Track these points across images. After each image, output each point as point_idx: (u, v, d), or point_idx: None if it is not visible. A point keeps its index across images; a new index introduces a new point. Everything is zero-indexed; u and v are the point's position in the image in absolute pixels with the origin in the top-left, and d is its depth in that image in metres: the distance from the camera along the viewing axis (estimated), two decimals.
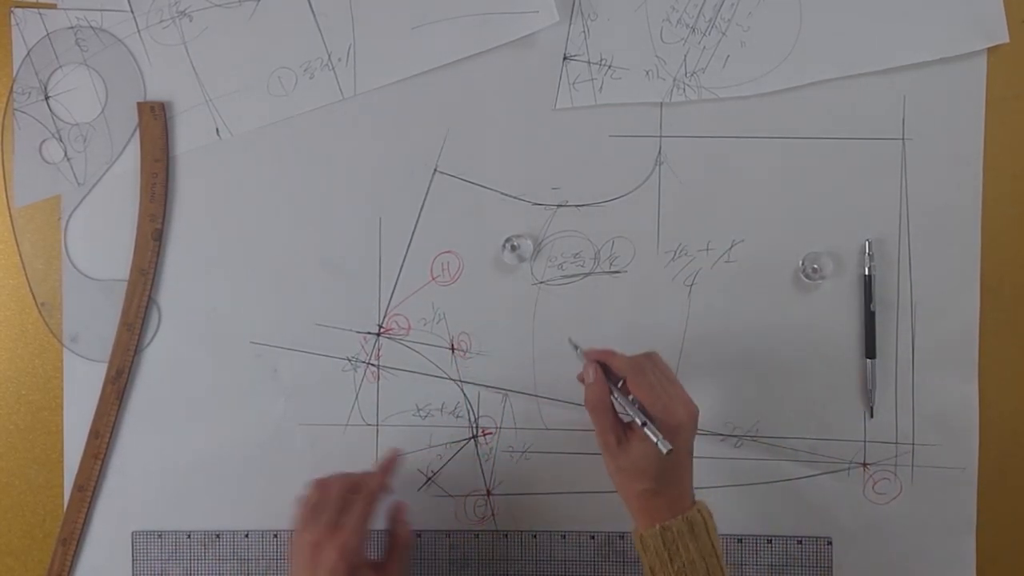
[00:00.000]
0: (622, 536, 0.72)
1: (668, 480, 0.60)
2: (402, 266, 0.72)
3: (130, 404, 0.73)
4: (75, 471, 0.73)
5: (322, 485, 0.65)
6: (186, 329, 0.73)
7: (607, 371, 0.63)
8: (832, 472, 0.71)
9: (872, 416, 0.71)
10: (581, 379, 0.65)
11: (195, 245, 0.73)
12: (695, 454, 0.62)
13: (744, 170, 0.71)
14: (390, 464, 0.69)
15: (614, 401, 0.62)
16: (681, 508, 0.61)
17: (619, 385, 0.63)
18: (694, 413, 0.62)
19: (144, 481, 0.73)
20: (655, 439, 0.59)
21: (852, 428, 0.71)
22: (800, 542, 0.72)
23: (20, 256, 0.73)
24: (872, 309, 0.70)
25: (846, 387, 0.71)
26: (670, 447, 0.58)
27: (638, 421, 0.60)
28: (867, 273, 0.70)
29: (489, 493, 0.73)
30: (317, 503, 0.64)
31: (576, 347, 0.66)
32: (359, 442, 0.73)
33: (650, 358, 0.63)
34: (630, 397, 0.61)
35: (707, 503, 0.62)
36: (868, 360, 0.70)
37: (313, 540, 0.62)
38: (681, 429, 0.60)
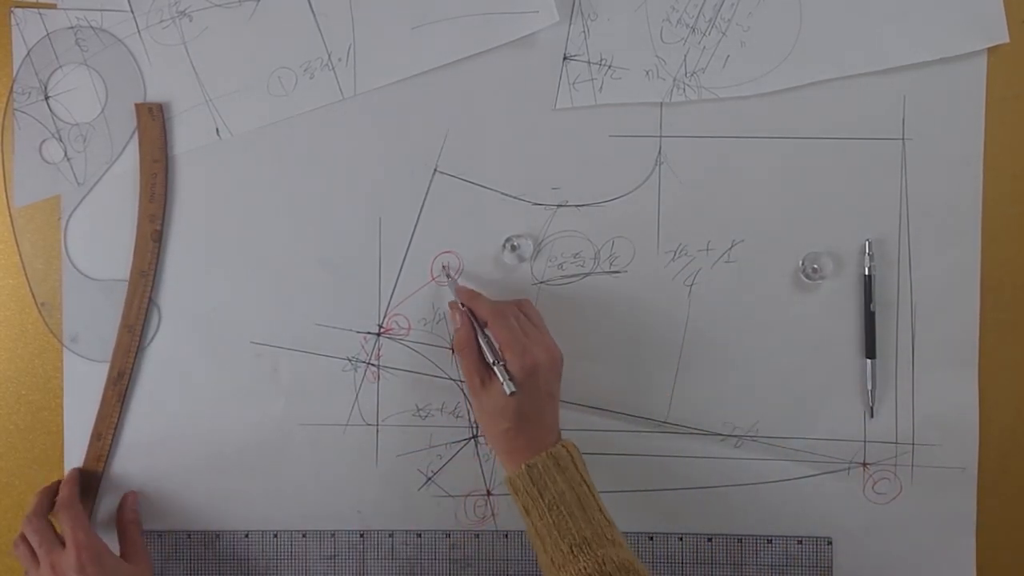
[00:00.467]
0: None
1: (527, 419, 0.63)
2: (402, 266, 0.72)
3: (130, 404, 0.73)
4: None
5: (18, 544, 0.68)
6: (186, 329, 0.73)
7: (475, 315, 0.66)
8: (832, 472, 0.71)
9: (872, 416, 0.71)
10: (452, 319, 0.69)
11: (195, 245, 0.73)
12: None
13: (744, 170, 0.71)
14: (72, 481, 0.71)
15: (481, 344, 0.65)
16: (544, 446, 0.63)
17: (485, 328, 0.66)
18: (556, 356, 0.65)
19: (144, 481, 0.73)
20: (502, 379, 0.62)
21: (852, 428, 0.71)
22: (800, 542, 0.72)
23: (20, 256, 0.73)
24: (872, 309, 0.70)
25: (846, 387, 0.71)
26: (514, 389, 0.62)
27: (489, 359, 0.64)
28: (867, 273, 0.70)
29: (489, 493, 0.73)
30: (18, 548, 0.68)
31: (449, 276, 0.71)
32: (359, 442, 0.73)
33: (520, 304, 0.68)
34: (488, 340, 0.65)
35: (573, 442, 0.64)
36: (868, 360, 0.70)
37: (45, 568, 0.66)
38: (538, 369, 0.63)
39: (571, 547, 0.59)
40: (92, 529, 0.69)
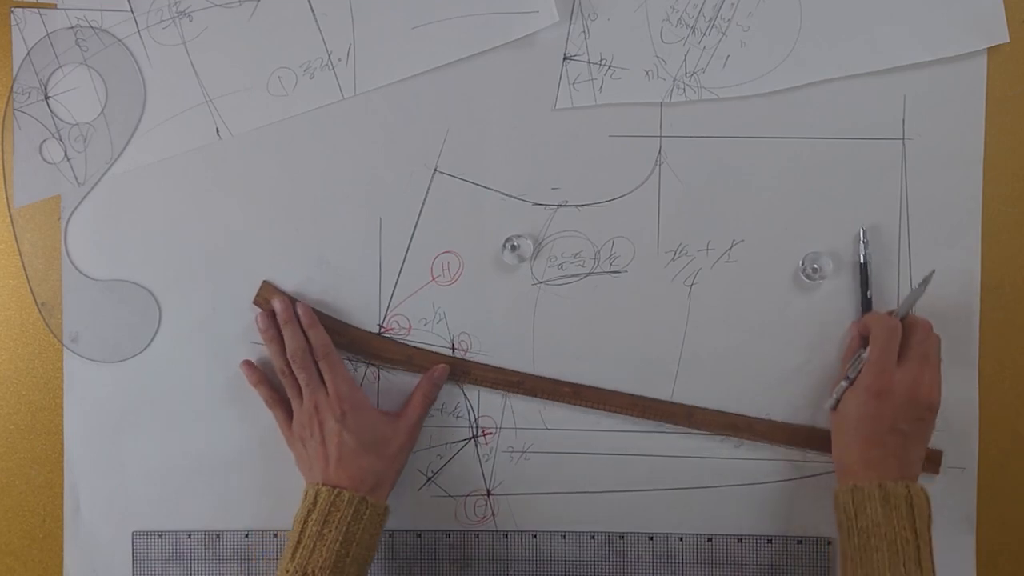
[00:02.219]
0: (622, 536, 0.72)
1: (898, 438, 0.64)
2: (402, 266, 0.72)
3: (130, 404, 0.73)
4: (75, 471, 0.73)
5: (281, 366, 0.70)
6: (187, 329, 0.73)
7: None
8: (832, 472, 0.71)
9: None
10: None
11: (195, 245, 0.73)
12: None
13: (744, 170, 0.71)
14: (311, 318, 0.70)
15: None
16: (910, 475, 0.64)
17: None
18: (917, 397, 0.65)
19: (144, 481, 0.73)
20: (834, 396, 0.67)
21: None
22: (800, 542, 0.72)
23: (20, 256, 0.73)
24: (868, 296, 0.70)
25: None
26: (830, 405, 0.67)
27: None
28: (862, 261, 0.70)
29: (489, 493, 0.73)
30: (286, 378, 0.70)
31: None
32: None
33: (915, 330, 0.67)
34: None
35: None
36: (863, 350, 0.70)
37: (306, 407, 0.68)
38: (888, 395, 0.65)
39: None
40: (353, 381, 0.70)
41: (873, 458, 0.64)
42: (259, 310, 0.72)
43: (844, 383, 0.67)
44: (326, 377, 0.69)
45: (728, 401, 0.71)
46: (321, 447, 0.67)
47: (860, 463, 0.64)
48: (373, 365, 0.73)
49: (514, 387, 0.71)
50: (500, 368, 0.72)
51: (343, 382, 0.69)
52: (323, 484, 0.66)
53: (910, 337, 0.66)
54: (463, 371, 0.72)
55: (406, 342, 0.72)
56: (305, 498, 0.66)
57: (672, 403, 0.71)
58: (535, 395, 0.72)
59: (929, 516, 0.63)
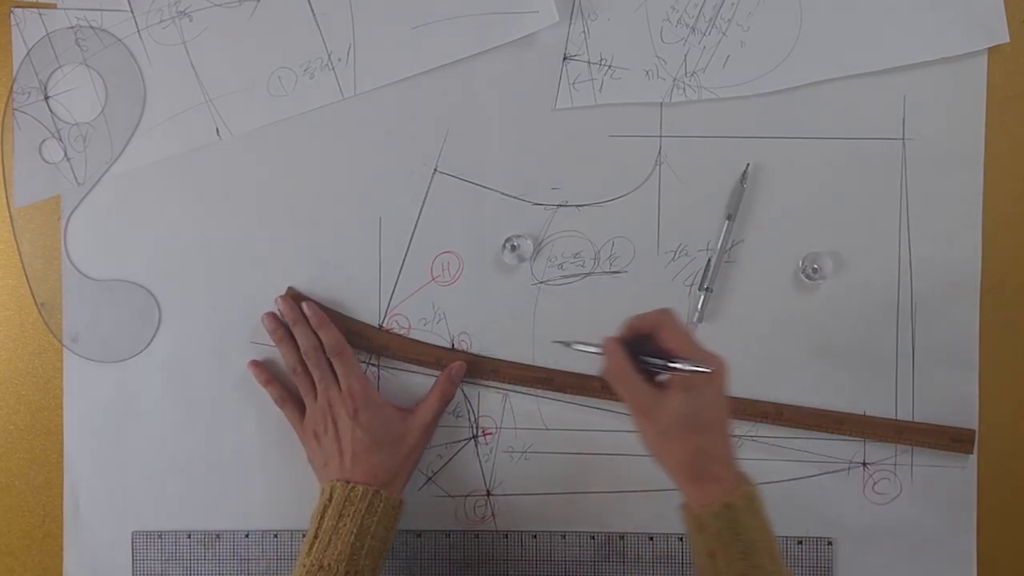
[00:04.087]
0: (622, 536, 0.72)
1: (715, 434, 0.57)
2: (402, 266, 0.72)
3: (130, 404, 0.73)
4: (75, 471, 0.73)
5: (293, 364, 0.70)
6: (187, 329, 0.73)
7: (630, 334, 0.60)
8: (832, 472, 0.71)
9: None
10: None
11: (195, 245, 0.73)
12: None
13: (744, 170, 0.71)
14: (321, 317, 0.70)
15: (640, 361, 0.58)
16: (732, 479, 0.57)
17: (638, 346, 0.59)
18: (723, 362, 0.57)
19: (144, 481, 0.73)
20: (693, 367, 0.55)
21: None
22: (800, 542, 0.72)
23: (20, 256, 0.73)
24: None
25: (846, 387, 0.71)
26: (708, 368, 0.55)
27: (660, 362, 0.57)
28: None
29: (489, 493, 0.73)
30: (298, 376, 0.70)
31: (568, 344, 0.65)
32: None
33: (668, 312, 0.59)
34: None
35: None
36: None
37: (320, 404, 0.68)
38: (723, 372, 0.57)
39: None
40: (366, 377, 0.70)
41: (704, 453, 0.57)
42: (265, 310, 0.72)
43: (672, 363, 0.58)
44: (340, 374, 0.69)
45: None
46: (335, 444, 0.68)
47: (698, 472, 0.57)
48: (374, 365, 0.73)
49: (543, 384, 0.71)
50: (525, 365, 0.71)
51: (356, 379, 0.69)
52: (338, 480, 0.66)
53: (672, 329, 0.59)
54: (491, 369, 0.71)
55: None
56: (321, 495, 0.67)
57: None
58: (563, 391, 0.71)
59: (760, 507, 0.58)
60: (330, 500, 0.66)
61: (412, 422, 0.70)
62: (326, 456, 0.68)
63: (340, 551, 0.63)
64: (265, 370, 0.72)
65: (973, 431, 0.70)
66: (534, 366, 0.72)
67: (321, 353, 0.69)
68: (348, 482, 0.66)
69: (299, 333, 0.70)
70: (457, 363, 0.71)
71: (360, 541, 0.64)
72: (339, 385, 0.69)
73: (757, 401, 0.71)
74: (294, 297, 0.72)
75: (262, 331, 0.72)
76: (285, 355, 0.71)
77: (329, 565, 0.63)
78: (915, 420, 0.71)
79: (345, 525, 0.64)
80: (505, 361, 0.72)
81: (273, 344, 0.72)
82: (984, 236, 0.71)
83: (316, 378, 0.69)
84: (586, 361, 0.71)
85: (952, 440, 0.70)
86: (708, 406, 0.57)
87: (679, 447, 0.57)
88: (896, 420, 0.70)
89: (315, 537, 0.65)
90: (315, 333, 0.70)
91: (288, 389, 0.71)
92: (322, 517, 0.65)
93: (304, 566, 0.64)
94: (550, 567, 0.73)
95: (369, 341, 0.72)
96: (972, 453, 0.70)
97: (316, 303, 0.71)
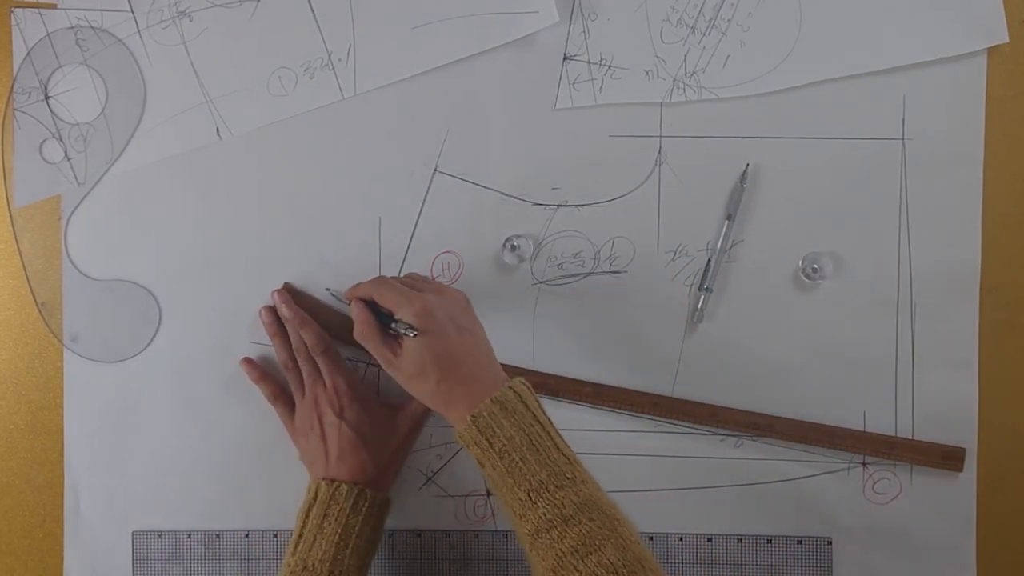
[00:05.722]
0: None
1: (452, 362, 0.61)
2: (402, 266, 0.72)
3: (130, 404, 0.73)
4: (75, 471, 0.73)
5: (284, 360, 0.70)
6: (186, 329, 0.73)
7: (365, 302, 0.66)
8: (832, 472, 0.71)
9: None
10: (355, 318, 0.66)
11: (195, 245, 0.73)
12: None
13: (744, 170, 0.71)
14: (303, 318, 0.70)
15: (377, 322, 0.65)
16: (486, 391, 0.61)
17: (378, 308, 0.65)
18: (454, 295, 0.65)
19: (144, 481, 0.73)
20: (400, 330, 0.62)
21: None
22: (800, 542, 0.72)
23: (20, 256, 0.73)
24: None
25: (846, 387, 0.71)
26: (416, 331, 0.61)
27: (384, 323, 0.64)
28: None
29: (489, 493, 0.73)
30: (289, 372, 0.70)
31: (335, 295, 0.70)
32: None
33: (404, 276, 0.69)
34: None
35: (524, 381, 0.62)
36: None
37: (307, 401, 0.69)
38: (433, 308, 0.62)
39: (528, 493, 0.57)
40: (352, 375, 0.70)
41: (461, 382, 0.61)
42: (262, 306, 0.72)
43: (395, 321, 0.63)
44: (324, 372, 0.69)
45: (728, 402, 0.71)
46: (321, 442, 0.68)
47: (458, 399, 0.61)
48: (374, 365, 0.73)
49: (536, 388, 0.71)
50: (531, 370, 0.72)
51: (341, 376, 0.69)
52: (323, 478, 0.66)
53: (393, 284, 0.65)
54: None
55: None
56: (307, 493, 0.67)
57: (696, 403, 0.71)
58: (557, 396, 0.72)
59: (535, 398, 0.62)
60: (315, 499, 0.65)
61: (400, 418, 0.70)
62: (313, 454, 0.68)
63: (324, 551, 0.63)
64: (257, 367, 0.72)
65: (963, 449, 0.70)
66: (528, 371, 0.72)
67: (306, 352, 0.70)
68: (333, 481, 0.66)
69: (290, 329, 0.70)
70: None
71: (344, 541, 0.64)
72: (325, 382, 0.69)
73: (749, 412, 0.71)
74: (290, 292, 0.72)
75: (262, 331, 0.72)
76: (278, 350, 0.71)
77: (313, 565, 0.63)
78: (910, 437, 0.71)
79: (329, 525, 0.64)
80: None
81: (270, 344, 0.72)
82: (984, 236, 0.71)
83: (304, 374, 0.69)
84: (576, 368, 0.71)
85: (942, 457, 0.70)
86: (433, 342, 0.61)
87: (423, 386, 0.62)
88: (889, 436, 0.71)
89: (300, 537, 0.65)
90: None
91: (280, 386, 0.71)
92: (307, 516, 0.65)
93: (289, 566, 0.63)
94: None
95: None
96: (961, 471, 0.70)
97: (310, 297, 0.72)
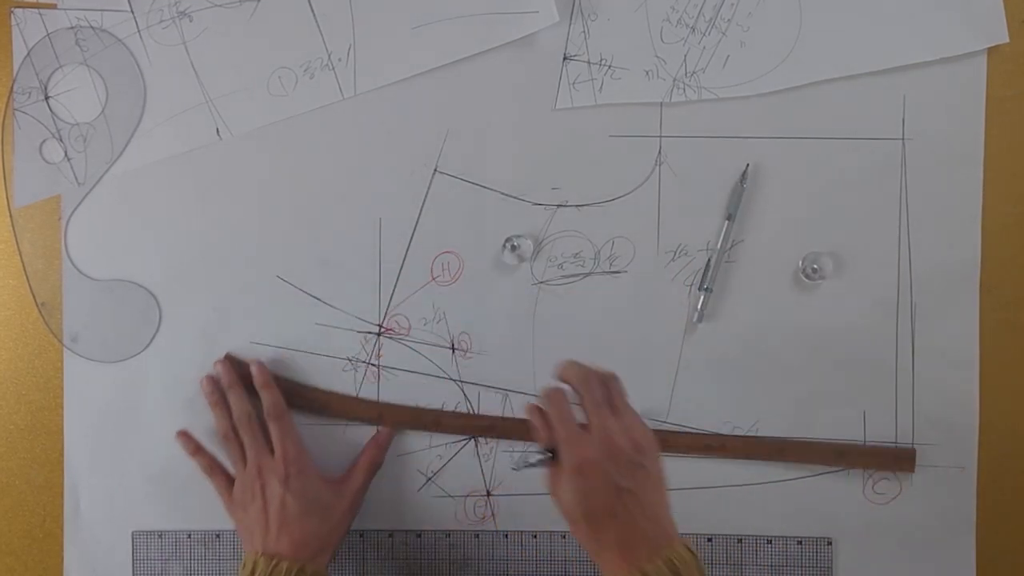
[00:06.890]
0: None
1: (613, 515, 0.55)
2: (402, 266, 0.72)
3: (130, 404, 0.73)
4: (75, 471, 0.73)
5: (225, 430, 0.69)
6: (186, 329, 0.73)
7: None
8: (832, 472, 0.71)
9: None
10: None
11: (195, 245, 0.73)
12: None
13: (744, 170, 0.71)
14: (266, 377, 0.70)
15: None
16: (655, 543, 0.55)
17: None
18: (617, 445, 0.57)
19: (144, 481, 0.73)
20: (535, 459, 0.58)
21: (852, 428, 0.71)
22: (800, 542, 0.72)
23: (20, 256, 0.73)
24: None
25: (846, 387, 0.71)
26: (539, 458, 0.58)
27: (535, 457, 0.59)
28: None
29: (489, 493, 0.73)
30: (229, 442, 0.69)
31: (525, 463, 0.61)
32: (360, 442, 0.72)
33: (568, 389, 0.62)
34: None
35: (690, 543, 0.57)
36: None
37: (249, 471, 0.67)
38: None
39: None
40: (302, 443, 0.69)
41: (614, 539, 0.55)
42: (265, 310, 0.72)
43: (539, 455, 0.59)
44: (275, 438, 0.68)
45: (727, 402, 0.71)
46: (263, 513, 0.66)
47: (609, 550, 0.55)
48: (373, 365, 0.73)
49: (484, 432, 0.72)
50: (465, 414, 0.72)
51: (292, 444, 0.68)
52: (262, 553, 0.64)
53: (582, 393, 0.60)
54: (432, 420, 0.72)
55: (406, 342, 0.72)
56: (243, 569, 0.64)
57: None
58: (507, 437, 0.72)
59: (700, 569, 0.55)
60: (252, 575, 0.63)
61: (342, 490, 0.69)
62: (252, 526, 0.66)
63: None
64: (191, 440, 0.71)
65: (914, 450, 0.70)
66: (476, 415, 0.72)
67: (255, 419, 0.68)
68: (272, 556, 0.63)
69: (233, 398, 0.69)
70: (384, 430, 0.71)
71: None
72: (271, 452, 0.68)
73: (700, 435, 0.71)
74: (232, 363, 0.71)
75: (262, 331, 0.72)
76: (218, 420, 0.69)
77: None
78: (908, 441, 0.71)
79: None
80: (447, 412, 0.72)
81: (274, 345, 0.72)
82: (984, 236, 0.71)
83: (247, 444, 0.68)
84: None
85: (895, 459, 0.70)
86: (591, 493, 0.55)
87: (582, 537, 0.57)
88: (836, 442, 0.70)
89: None
90: (249, 401, 0.69)
91: (215, 459, 0.70)
92: None
93: None
94: (550, 567, 0.73)
95: (311, 402, 0.72)
96: (913, 471, 0.70)
97: (265, 366, 0.71)
